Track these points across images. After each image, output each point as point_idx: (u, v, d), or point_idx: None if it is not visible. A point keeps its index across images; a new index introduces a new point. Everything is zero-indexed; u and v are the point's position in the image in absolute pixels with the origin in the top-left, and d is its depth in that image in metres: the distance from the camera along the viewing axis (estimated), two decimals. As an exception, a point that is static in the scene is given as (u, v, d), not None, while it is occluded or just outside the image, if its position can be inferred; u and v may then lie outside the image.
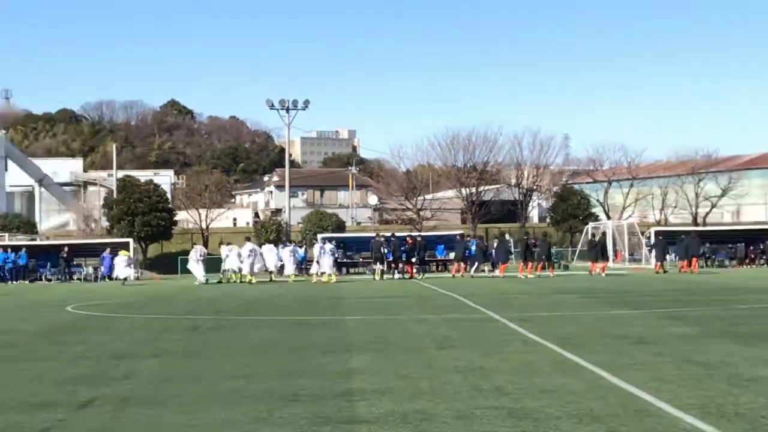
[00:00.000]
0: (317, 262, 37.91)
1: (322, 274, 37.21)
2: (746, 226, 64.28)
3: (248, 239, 41.00)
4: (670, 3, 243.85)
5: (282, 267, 40.30)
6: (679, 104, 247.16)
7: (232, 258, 38.59)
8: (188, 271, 41.90)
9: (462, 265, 39.83)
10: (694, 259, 41.54)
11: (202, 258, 40.80)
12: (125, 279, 41.62)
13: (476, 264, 39.36)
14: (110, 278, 45.49)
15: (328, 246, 38.62)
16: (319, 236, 46.78)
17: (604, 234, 50.27)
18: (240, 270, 38.44)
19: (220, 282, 38.35)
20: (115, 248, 47.70)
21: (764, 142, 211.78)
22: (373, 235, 45.35)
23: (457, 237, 44.80)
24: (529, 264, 38.03)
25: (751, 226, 62.28)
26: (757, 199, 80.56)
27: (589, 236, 48.95)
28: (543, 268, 39.56)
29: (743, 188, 77.93)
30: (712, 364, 10.16)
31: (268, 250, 40.15)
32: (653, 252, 44.65)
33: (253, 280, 37.46)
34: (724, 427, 6.75)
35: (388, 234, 43.34)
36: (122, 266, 42.20)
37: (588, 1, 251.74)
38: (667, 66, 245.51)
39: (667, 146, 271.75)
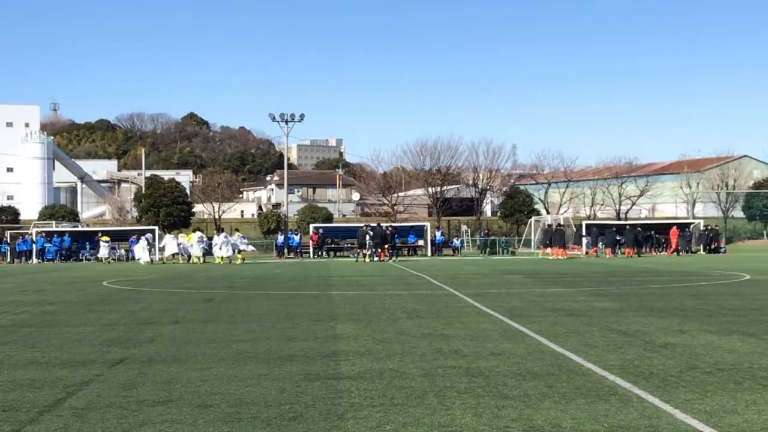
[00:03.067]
0: (220, 248, 37.99)
1: (230, 256, 37.97)
2: (659, 220, 64.80)
3: (197, 230, 42.16)
4: (599, 31, 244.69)
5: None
6: (606, 119, 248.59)
7: (173, 243, 40.14)
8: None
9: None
10: (627, 249, 41.94)
11: (150, 246, 40.98)
12: (103, 259, 42.90)
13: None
14: (134, 259, 45.33)
15: (235, 236, 39.57)
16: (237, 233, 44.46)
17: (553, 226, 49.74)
18: (181, 254, 39.91)
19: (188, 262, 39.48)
20: (141, 234, 47.23)
21: (675, 152, 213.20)
22: (359, 225, 45.14)
23: (602, 229, 44.76)
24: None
25: (663, 221, 62.76)
26: (668, 198, 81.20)
27: (546, 226, 48.03)
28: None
29: (657, 190, 78.53)
30: (630, 332, 10.21)
31: (198, 238, 39.89)
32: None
33: (202, 261, 38.33)
34: (641, 384, 6.79)
35: (374, 224, 42.77)
36: (104, 248, 43.07)
37: (535, 36, 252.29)
38: (596, 86, 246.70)
39: (596, 154, 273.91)
